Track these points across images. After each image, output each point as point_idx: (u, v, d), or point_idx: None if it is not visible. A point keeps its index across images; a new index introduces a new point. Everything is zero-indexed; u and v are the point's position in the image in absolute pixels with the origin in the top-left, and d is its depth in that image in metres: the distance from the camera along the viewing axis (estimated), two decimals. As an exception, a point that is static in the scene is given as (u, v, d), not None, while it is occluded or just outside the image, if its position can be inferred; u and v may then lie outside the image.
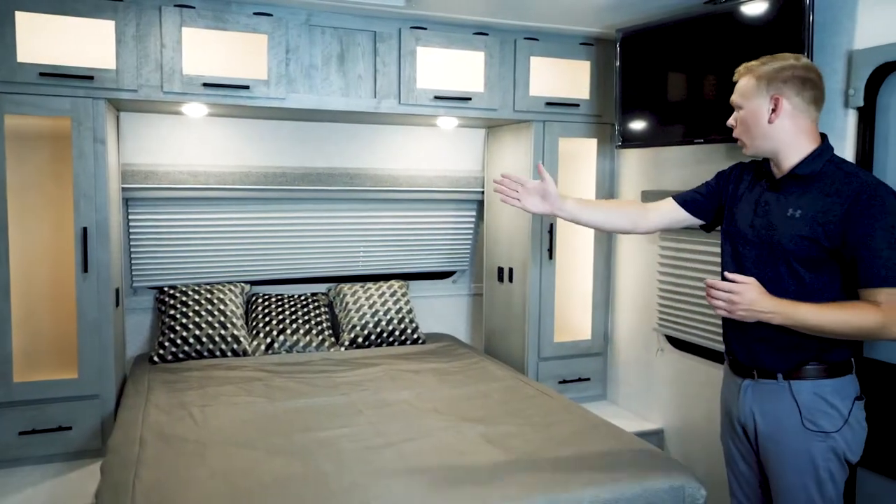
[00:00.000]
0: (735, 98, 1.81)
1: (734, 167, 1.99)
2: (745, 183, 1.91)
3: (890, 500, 2.05)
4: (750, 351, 1.79)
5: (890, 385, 2.03)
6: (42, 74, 2.39)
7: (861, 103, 2.07)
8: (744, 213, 1.86)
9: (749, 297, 1.63)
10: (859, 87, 2.07)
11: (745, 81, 1.78)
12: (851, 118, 2.12)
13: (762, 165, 1.85)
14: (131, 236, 3.07)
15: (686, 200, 2.04)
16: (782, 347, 1.73)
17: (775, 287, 1.71)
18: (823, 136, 1.76)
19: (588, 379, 3.35)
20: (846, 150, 2.13)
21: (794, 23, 2.17)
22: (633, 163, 3.18)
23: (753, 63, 1.78)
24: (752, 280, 1.66)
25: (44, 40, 2.44)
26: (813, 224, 1.67)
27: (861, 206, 1.62)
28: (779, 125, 1.73)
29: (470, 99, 2.96)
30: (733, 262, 1.86)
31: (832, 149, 1.75)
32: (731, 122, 1.84)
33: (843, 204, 1.64)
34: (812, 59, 2.13)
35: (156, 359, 2.97)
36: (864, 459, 2.02)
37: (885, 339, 1.62)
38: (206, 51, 2.64)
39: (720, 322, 2.14)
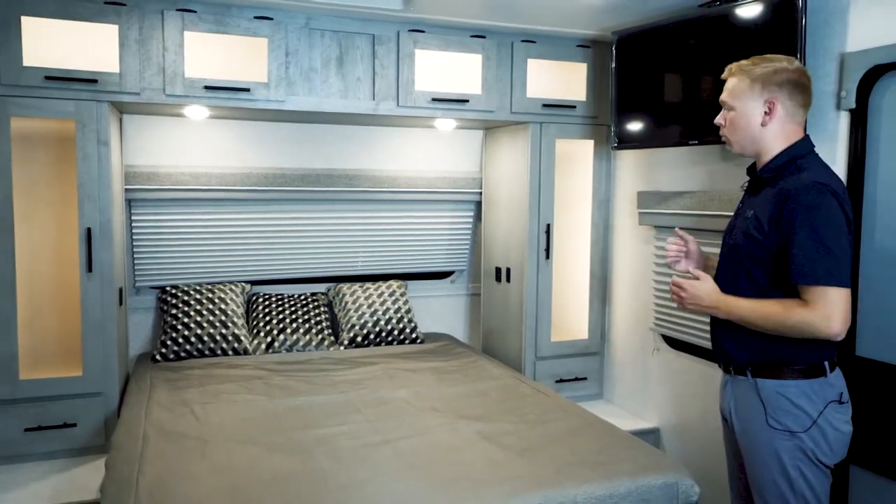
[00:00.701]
0: (726, 97, 1.82)
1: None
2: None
3: (883, 498, 2.08)
4: (722, 347, 1.84)
5: (882, 384, 2.05)
6: (47, 78, 2.43)
7: (853, 105, 2.10)
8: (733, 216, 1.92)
9: (693, 292, 1.79)
10: (851, 89, 2.10)
11: (738, 82, 1.79)
12: (844, 120, 2.15)
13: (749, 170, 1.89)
14: (134, 237, 3.11)
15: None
16: (749, 345, 1.77)
17: (734, 286, 1.77)
18: (804, 138, 1.77)
19: (585, 378, 3.38)
20: (838, 151, 2.15)
21: (787, 25, 2.19)
22: (630, 164, 3.21)
23: (745, 63, 1.79)
24: (705, 276, 1.79)
25: (49, 44, 2.49)
26: (755, 222, 1.73)
27: (792, 205, 1.64)
28: (770, 128, 1.76)
29: (467, 101, 3.00)
30: (719, 263, 1.91)
31: (807, 151, 1.75)
32: (719, 120, 1.86)
33: (777, 203, 1.68)
34: (804, 62, 2.16)
35: (158, 357, 3.01)
36: (857, 457, 2.05)
37: (815, 336, 1.63)
38: (208, 54, 2.67)
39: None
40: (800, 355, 1.71)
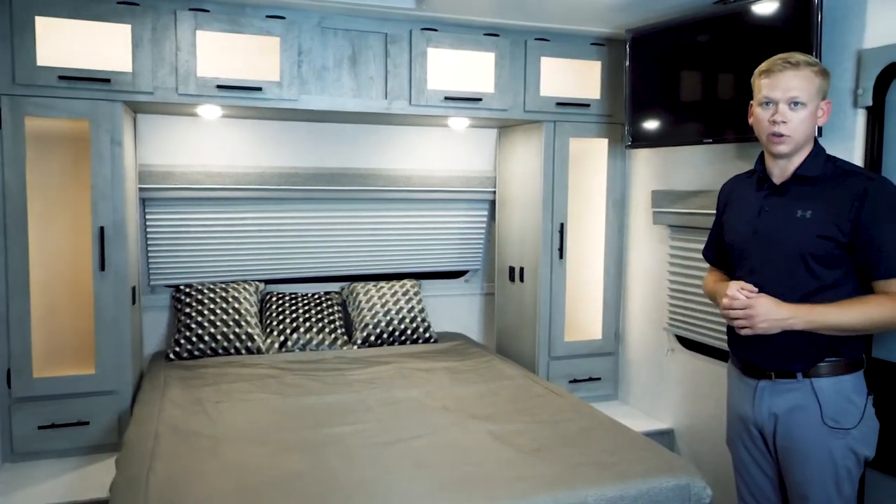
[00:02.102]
0: (799, 95, 1.68)
1: (721, 191, 2.02)
2: (738, 193, 1.93)
3: (898, 501, 2.04)
4: (766, 353, 1.78)
5: (898, 385, 2.01)
6: (61, 77, 2.45)
7: (870, 103, 2.06)
8: (742, 219, 1.87)
9: (763, 309, 1.68)
10: (868, 86, 2.06)
11: (810, 78, 1.68)
12: (860, 117, 2.11)
13: (757, 171, 1.85)
14: (148, 236, 3.13)
15: (718, 263, 2.05)
16: (799, 346, 1.73)
17: (791, 288, 1.72)
18: (814, 138, 1.79)
19: (599, 378, 3.35)
20: (855, 149, 2.11)
21: (803, 22, 2.16)
22: (644, 163, 3.18)
23: (803, 58, 1.70)
24: (761, 294, 1.70)
25: (63, 44, 2.51)
26: (827, 223, 1.68)
27: (872, 203, 1.64)
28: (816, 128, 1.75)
29: (480, 99, 2.98)
30: (740, 268, 1.87)
31: (823, 149, 1.78)
32: (782, 117, 1.69)
33: (855, 201, 1.65)
34: (821, 58, 2.12)
35: (172, 356, 3.02)
36: (873, 460, 2.01)
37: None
38: (220, 53, 2.68)
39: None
40: (849, 349, 1.72)
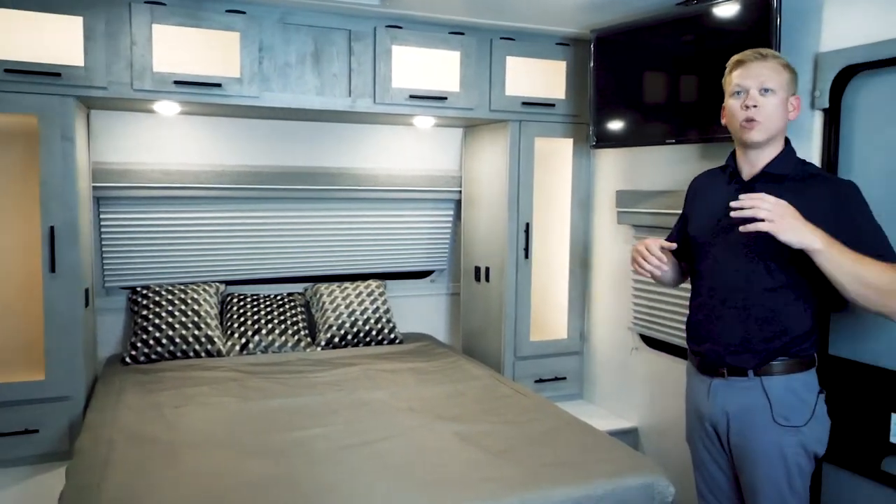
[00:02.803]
0: (767, 81, 1.71)
1: (690, 186, 2.04)
2: (707, 188, 1.95)
3: (854, 494, 2.09)
4: (719, 350, 1.80)
5: (853, 382, 2.06)
6: (7, 71, 2.35)
7: (826, 105, 2.10)
8: (708, 212, 1.88)
9: (791, 210, 1.53)
10: (825, 88, 2.10)
11: (778, 69, 1.72)
12: (818, 119, 2.15)
13: (729, 166, 1.87)
14: (103, 236, 3.03)
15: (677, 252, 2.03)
16: (754, 343, 1.75)
17: (748, 282, 1.74)
18: (787, 139, 1.81)
19: (564, 378, 3.36)
20: (813, 150, 2.16)
21: (762, 24, 2.19)
22: (609, 163, 3.20)
23: (772, 52, 1.76)
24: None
25: (9, 36, 2.40)
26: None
27: (844, 204, 1.67)
28: (786, 124, 1.77)
29: (446, 98, 2.96)
30: (701, 260, 1.88)
31: (794, 151, 1.81)
32: (753, 101, 1.71)
33: (828, 203, 1.67)
34: (780, 61, 2.16)
35: (128, 360, 2.93)
36: (829, 455, 2.06)
37: (887, 305, 1.57)
38: (178, 48, 2.60)
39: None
40: (802, 347, 1.74)
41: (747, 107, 1.72)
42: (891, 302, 1.57)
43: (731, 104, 1.78)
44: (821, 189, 1.71)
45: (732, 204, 1.57)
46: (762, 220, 1.53)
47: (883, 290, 1.55)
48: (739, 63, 1.77)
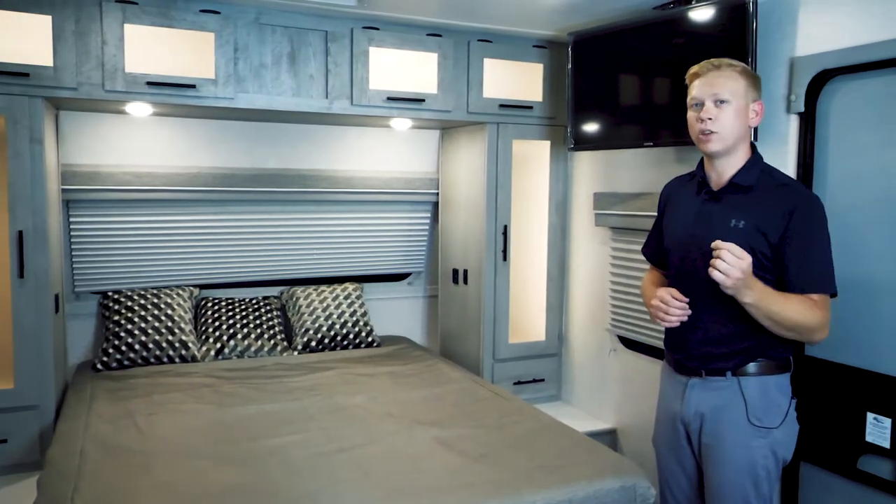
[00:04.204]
0: (720, 91, 1.72)
1: (662, 193, 2.04)
2: (677, 196, 1.96)
3: (831, 492, 2.12)
4: (698, 351, 1.81)
5: (829, 382, 2.09)
6: (-27, 71, 2.28)
7: (802, 109, 2.13)
8: (681, 224, 1.89)
9: (741, 263, 1.58)
10: (800, 93, 2.13)
11: (734, 77, 1.73)
12: (793, 123, 2.18)
13: (697, 175, 1.87)
14: (73, 240, 2.95)
15: (656, 261, 2.07)
16: (732, 346, 1.76)
17: (720, 293, 1.72)
18: (753, 146, 1.82)
19: (543, 380, 3.37)
20: (788, 154, 2.19)
21: (738, 29, 2.21)
22: (586, 165, 3.22)
23: (727, 61, 1.76)
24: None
25: (-25, 35, 2.33)
26: (756, 233, 1.71)
27: (800, 218, 1.68)
28: (750, 130, 1.78)
29: (423, 100, 2.95)
30: (676, 272, 1.89)
31: (761, 157, 1.81)
32: (707, 114, 1.73)
33: (784, 215, 1.69)
34: (756, 65, 2.18)
35: (99, 366, 2.86)
36: (806, 454, 2.08)
37: (810, 340, 1.74)
38: (151, 48, 2.55)
39: None
40: (778, 350, 1.76)
41: (702, 119, 1.74)
42: (812, 337, 1.72)
43: (690, 116, 1.80)
44: (785, 203, 1.71)
45: (713, 245, 1.63)
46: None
47: (806, 329, 1.68)
48: (696, 75, 1.79)
